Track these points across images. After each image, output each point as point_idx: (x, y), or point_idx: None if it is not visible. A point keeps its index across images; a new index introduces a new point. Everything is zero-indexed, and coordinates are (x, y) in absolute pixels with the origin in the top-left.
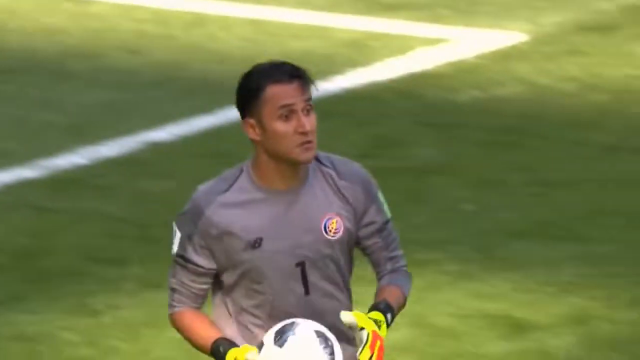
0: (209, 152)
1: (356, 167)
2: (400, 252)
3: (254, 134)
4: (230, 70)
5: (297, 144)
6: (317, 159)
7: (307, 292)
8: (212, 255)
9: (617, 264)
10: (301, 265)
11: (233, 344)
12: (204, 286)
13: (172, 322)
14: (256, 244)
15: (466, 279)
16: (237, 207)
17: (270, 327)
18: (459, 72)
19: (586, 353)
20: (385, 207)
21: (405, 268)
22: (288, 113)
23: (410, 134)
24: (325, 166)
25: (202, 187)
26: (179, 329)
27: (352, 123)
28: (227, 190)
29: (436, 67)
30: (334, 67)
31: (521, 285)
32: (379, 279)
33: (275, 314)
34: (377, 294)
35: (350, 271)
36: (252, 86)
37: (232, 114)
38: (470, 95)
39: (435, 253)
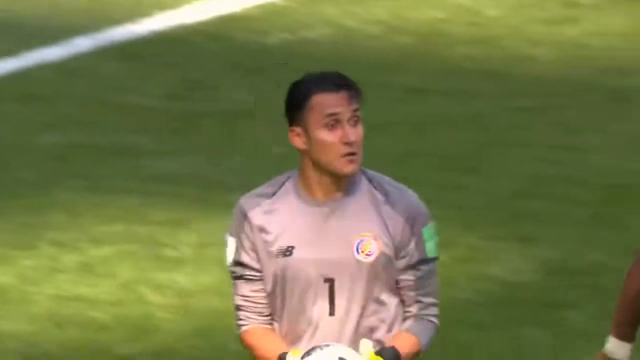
0: (15, 95)
1: (408, 196)
2: (432, 299)
3: (299, 142)
4: (34, 12)
5: (341, 154)
6: (368, 178)
7: (331, 312)
8: (259, 258)
9: (428, 205)
10: (330, 282)
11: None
12: (266, 293)
13: (242, 342)
14: (287, 252)
15: None
16: (277, 213)
17: (289, 342)
18: (268, 14)
19: None
20: (429, 245)
21: (432, 318)
22: (334, 122)
23: (220, 76)
24: (375, 187)
25: (250, 192)
26: (248, 347)
27: (161, 66)
28: (272, 195)
29: (245, 10)
30: (142, 10)
31: None
32: (402, 320)
33: (295, 331)
34: (393, 338)
35: (393, 308)
36: (300, 94)
37: (38, 55)
38: (279, 38)
39: None
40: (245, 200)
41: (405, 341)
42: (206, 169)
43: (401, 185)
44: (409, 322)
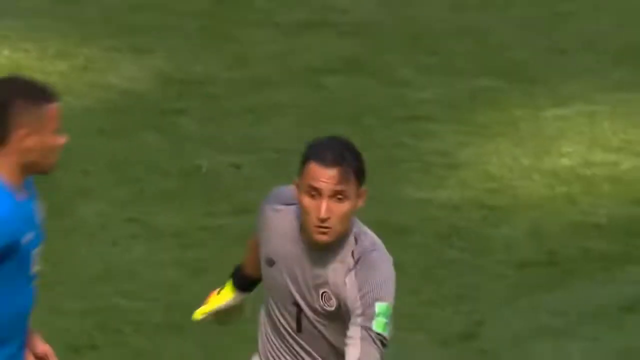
0: None
1: (374, 271)
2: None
3: (296, 192)
4: None
5: (314, 223)
6: (356, 239)
7: (299, 330)
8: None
9: (45, 17)
10: (297, 306)
11: (239, 279)
12: None
13: None
14: (270, 262)
15: None
16: (279, 223)
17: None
18: None
19: None
20: (379, 320)
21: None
22: (315, 194)
23: None
24: (353, 253)
25: (283, 187)
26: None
27: None
28: (290, 204)
29: None
30: None
31: None
32: None
33: (276, 330)
34: None
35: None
36: (306, 154)
37: None
38: None
39: None
40: (272, 194)
41: None
42: None
43: (380, 261)
44: None
